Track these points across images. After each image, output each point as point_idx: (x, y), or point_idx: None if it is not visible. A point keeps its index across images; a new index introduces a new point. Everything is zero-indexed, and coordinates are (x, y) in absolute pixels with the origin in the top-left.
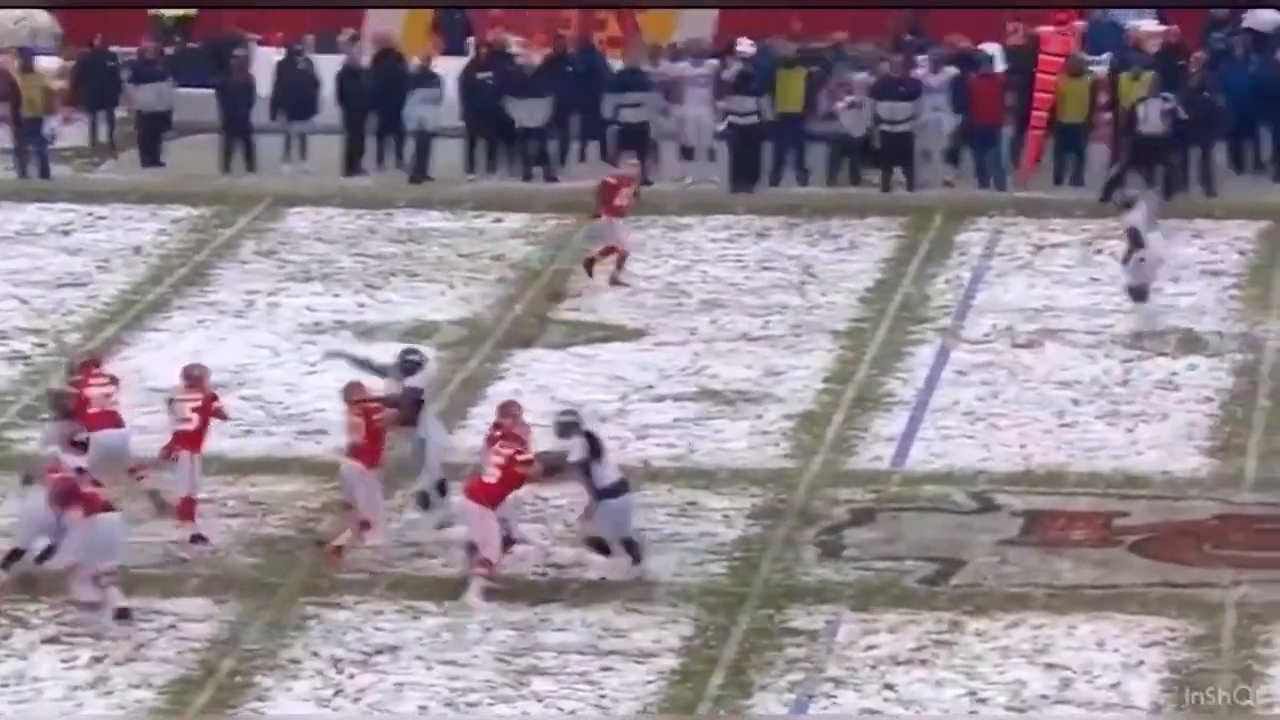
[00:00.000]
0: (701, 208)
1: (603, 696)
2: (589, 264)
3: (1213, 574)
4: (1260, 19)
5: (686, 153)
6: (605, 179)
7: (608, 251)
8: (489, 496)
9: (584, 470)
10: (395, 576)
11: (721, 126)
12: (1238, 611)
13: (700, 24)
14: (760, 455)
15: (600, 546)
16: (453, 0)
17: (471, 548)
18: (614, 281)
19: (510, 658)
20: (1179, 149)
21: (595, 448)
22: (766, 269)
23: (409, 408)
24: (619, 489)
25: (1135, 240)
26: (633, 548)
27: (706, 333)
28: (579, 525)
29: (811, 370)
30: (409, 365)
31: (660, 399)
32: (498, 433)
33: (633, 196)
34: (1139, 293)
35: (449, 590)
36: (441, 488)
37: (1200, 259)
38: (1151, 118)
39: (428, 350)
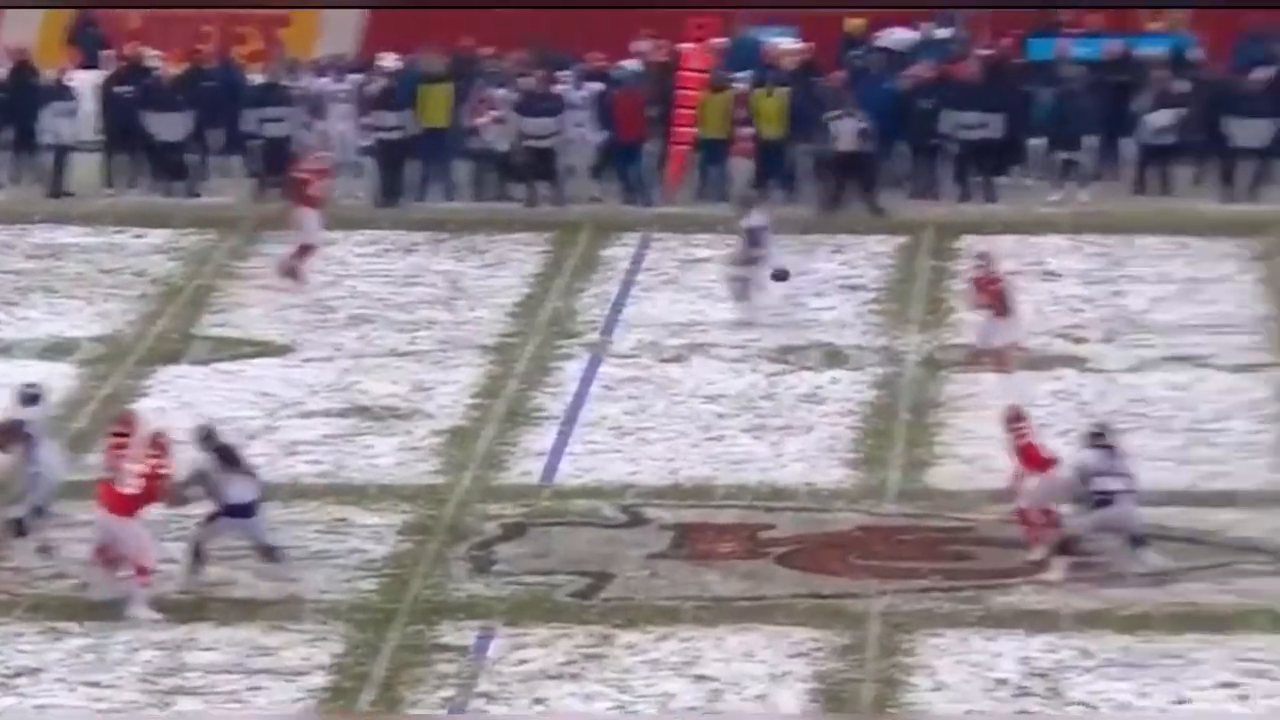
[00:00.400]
0: (347, 223)
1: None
2: (290, 269)
3: (857, 584)
4: (895, 38)
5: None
6: (296, 174)
7: (304, 250)
8: (128, 507)
9: (213, 485)
10: (36, 598)
11: (366, 142)
12: (882, 621)
13: (343, 38)
14: (410, 471)
15: (198, 554)
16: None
17: (104, 556)
18: (289, 273)
19: (155, 678)
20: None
21: (227, 462)
22: (414, 284)
23: (8, 436)
24: (250, 509)
25: (755, 242)
26: (270, 552)
27: (354, 348)
28: (195, 530)
29: (460, 385)
30: (26, 397)
31: (308, 415)
32: (123, 442)
33: (326, 190)
34: (740, 288)
35: (91, 611)
36: (39, 512)
37: (841, 274)
38: (845, 135)
39: (67, 368)
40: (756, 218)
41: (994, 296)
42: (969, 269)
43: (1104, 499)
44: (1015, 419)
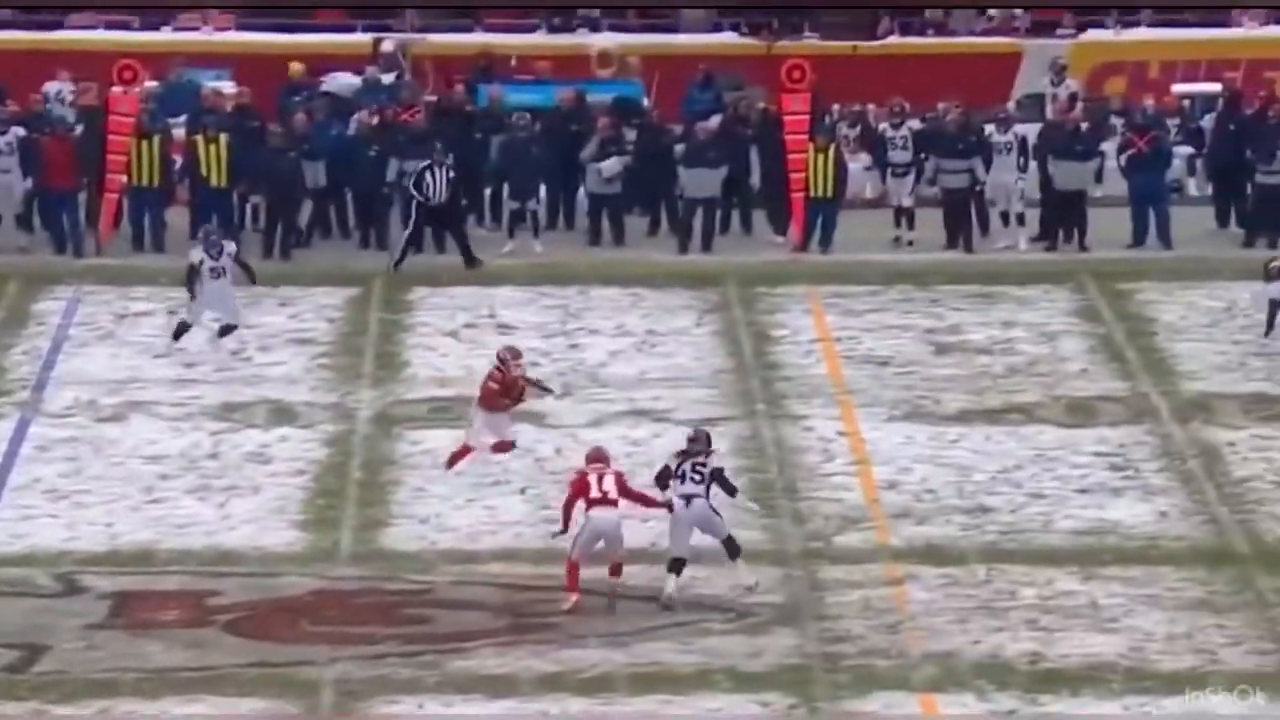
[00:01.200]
0: None
1: None
2: None
3: (310, 651)
4: (339, 83)
5: None
6: None
7: None
8: None
9: None
10: None
11: None
12: (335, 689)
13: None
14: None
15: None
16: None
17: None
18: None
19: None
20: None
21: None
22: None
23: None
24: None
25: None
26: None
27: None
28: None
29: None
30: None
31: None
32: None
33: None
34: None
35: None
36: None
37: (288, 327)
38: (437, 186)
39: None
40: (197, 252)
41: (516, 400)
42: (500, 367)
43: (679, 504)
44: (596, 459)
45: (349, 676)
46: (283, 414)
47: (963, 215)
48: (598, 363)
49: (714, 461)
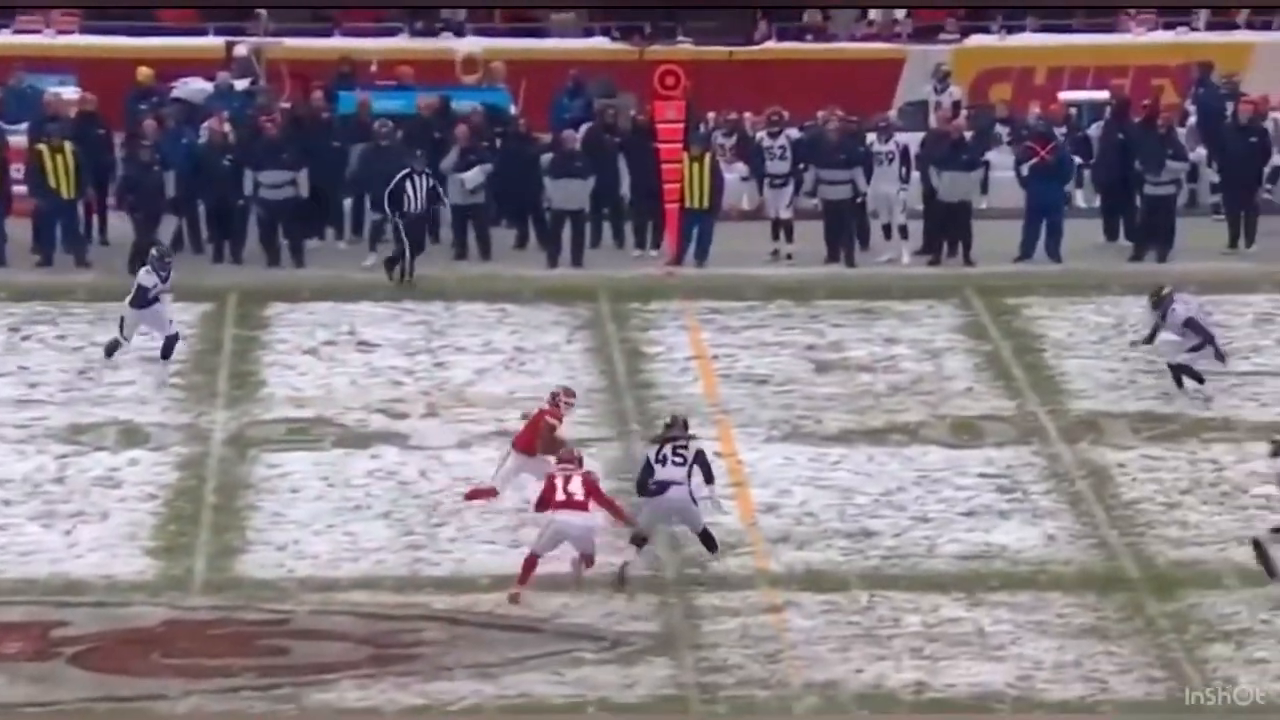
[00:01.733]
0: None
1: None
2: None
3: (162, 684)
4: (190, 89)
5: None
6: None
7: None
8: None
9: None
10: None
11: None
12: None
13: None
14: None
15: None
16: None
17: None
18: None
19: None
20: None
21: None
22: None
23: None
24: None
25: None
26: None
27: None
28: None
29: None
30: None
31: None
32: None
33: None
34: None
35: None
36: None
37: (139, 345)
38: (417, 196)
39: None
40: (145, 275)
41: (547, 450)
42: (551, 406)
43: (658, 489)
44: (565, 459)
45: (203, 710)
46: (133, 436)
47: (843, 228)
48: (464, 381)
49: (695, 444)
